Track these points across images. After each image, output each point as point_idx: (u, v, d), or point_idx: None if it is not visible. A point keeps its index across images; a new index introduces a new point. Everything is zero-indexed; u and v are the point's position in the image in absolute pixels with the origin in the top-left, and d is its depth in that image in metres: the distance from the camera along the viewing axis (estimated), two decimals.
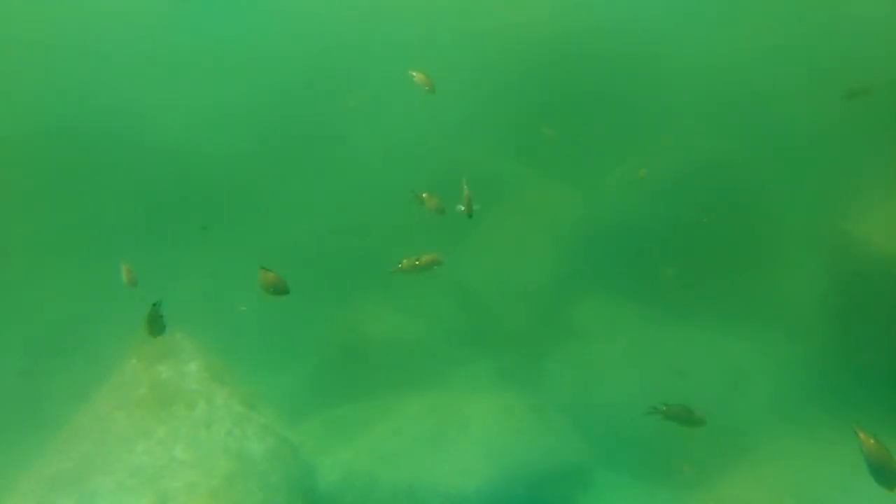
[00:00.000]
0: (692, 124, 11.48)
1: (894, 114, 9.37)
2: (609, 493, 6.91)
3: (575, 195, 11.76)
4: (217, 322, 8.48)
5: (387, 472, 6.35)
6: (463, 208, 4.96)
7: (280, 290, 4.62)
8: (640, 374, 8.91)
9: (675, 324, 9.68)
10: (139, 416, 5.31)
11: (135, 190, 11.77)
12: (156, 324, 4.72)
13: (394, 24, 14.79)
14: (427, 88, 6.09)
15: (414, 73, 6.22)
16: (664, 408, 5.08)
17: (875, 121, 9.43)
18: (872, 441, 3.91)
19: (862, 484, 6.65)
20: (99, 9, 14.08)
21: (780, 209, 10.12)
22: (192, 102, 13.67)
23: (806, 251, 9.16)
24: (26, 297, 9.83)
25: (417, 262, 4.99)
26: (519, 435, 7.02)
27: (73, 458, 5.04)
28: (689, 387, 8.68)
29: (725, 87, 11.57)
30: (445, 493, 6.10)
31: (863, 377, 8.05)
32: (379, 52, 14.17)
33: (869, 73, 9.84)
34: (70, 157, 11.96)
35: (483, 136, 12.85)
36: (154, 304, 4.76)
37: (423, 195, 5.90)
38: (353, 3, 14.75)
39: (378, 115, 13.94)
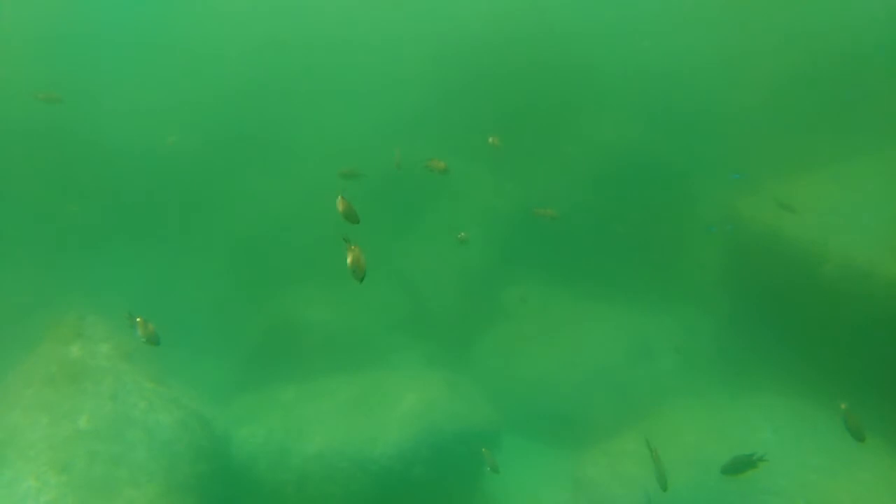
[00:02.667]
0: (619, 121, 12.15)
1: (792, 108, 10.20)
2: (514, 454, 7.42)
3: (509, 187, 12.30)
4: (145, 307, 8.70)
5: (300, 442, 6.69)
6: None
7: (352, 219, 4.85)
8: (557, 350, 9.52)
9: (592, 303, 10.31)
10: (47, 393, 5.53)
11: (74, 184, 11.71)
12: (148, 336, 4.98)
13: (343, 22, 15.04)
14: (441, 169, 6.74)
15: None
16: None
17: (773, 115, 10.29)
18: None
19: (742, 438, 7.37)
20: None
21: (689, 194, 10.85)
22: (133, 98, 13.63)
23: (709, 231, 9.86)
24: None
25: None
26: (433, 406, 7.45)
27: None
28: (600, 359, 9.32)
29: (652, 88, 12.27)
30: (353, 458, 6.48)
31: (757, 346, 8.79)
32: (324, 51, 14.41)
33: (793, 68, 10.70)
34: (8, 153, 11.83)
35: (425, 135, 13.25)
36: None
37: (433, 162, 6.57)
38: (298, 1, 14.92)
39: (322, 115, 14.18)
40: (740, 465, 5.41)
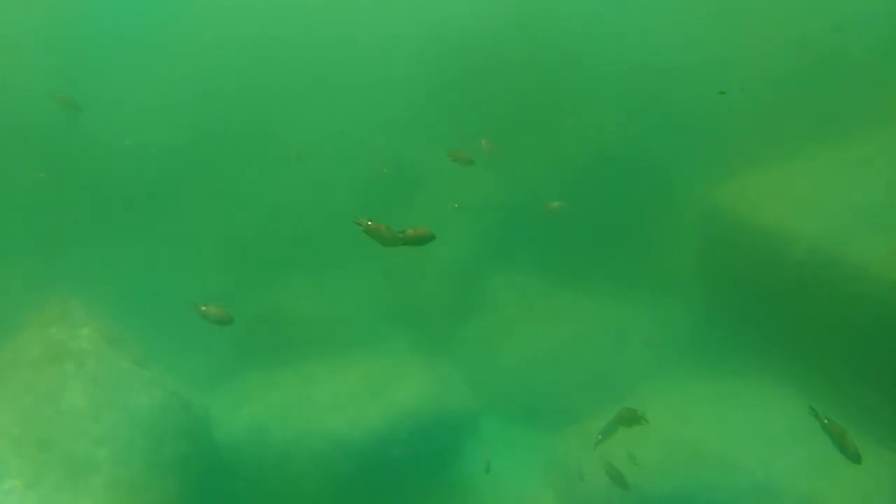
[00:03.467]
0: (601, 115, 12.33)
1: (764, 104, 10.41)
2: (491, 437, 7.61)
3: (494, 180, 12.46)
4: (132, 298, 8.82)
5: (281, 424, 6.85)
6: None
7: (388, 241, 4.47)
8: (536, 338, 9.72)
9: (572, 294, 10.52)
10: (29, 374, 5.64)
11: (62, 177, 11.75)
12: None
13: (331, 19, 15.10)
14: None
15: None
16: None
17: (748, 110, 10.49)
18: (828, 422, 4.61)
19: (710, 419, 7.60)
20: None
21: (668, 187, 11.05)
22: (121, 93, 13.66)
23: (685, 222, 10.07)
24: None
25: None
26: (412, 390, 7.63)
27: None
28: (578, 347, 9.53)
29: (635, 82, 12.44)
30: (332, 439, 6.64)
31: (732, 333, 9.01)
32: (311, 47, 14.47)
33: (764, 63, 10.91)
34: None
35: (412, 129, 13.39)
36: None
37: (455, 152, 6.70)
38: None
39: (308, 111, 14.26)
40: (624, 420, 5.59)
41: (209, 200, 12.68)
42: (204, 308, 5.15)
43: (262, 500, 6.26)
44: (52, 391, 5.49)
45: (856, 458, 4.52)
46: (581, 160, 11.45)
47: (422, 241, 4.60)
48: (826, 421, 4.64)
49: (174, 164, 12.71)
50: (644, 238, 10.49)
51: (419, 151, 12.96)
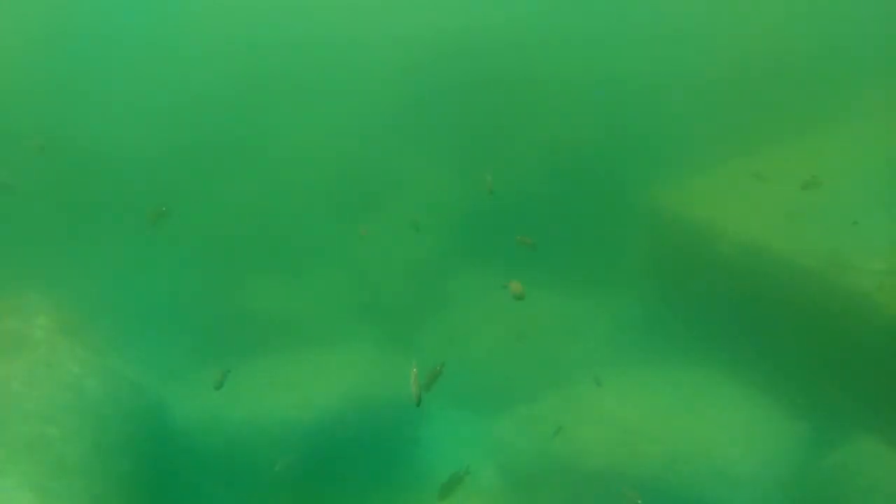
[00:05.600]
0: (561, 120, 12.86)
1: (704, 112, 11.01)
2: (438, 421, 7.97)
3: (459, 182, 12.91)
4: (97, 292, 9.04)
5: (237, 410, 7.13)
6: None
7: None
8: (492, 331, 10.14)
9: (531, 290, 10.92)
10: None
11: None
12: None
13: (316, 24, 15.47)
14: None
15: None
16: None
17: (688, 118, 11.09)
18: None
19: (650, 402, 8.02)
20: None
21: (620, 189, 11.58)
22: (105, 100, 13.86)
23: (633, 219, 10.58)
24: None
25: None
26: (365, 376, 7.97)
27: None
28: (533, 338, 9.94)
29: (590, 93, 13.00)
30: (285, 422, 6.94)
31: (676, 323, 9.49)
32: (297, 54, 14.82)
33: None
34: None
35: (386, 137, 13.79)
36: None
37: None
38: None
39: (286, 118, 14.57)
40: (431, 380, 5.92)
41: (180, 200, 12.92)
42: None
43: (214, 479, 6.52)
44: (5, 375, 5.74)
45: None
46: (540, 165, 11.96)
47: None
48: None
49: (145, 164, 12.95)
50: (598, 237, 10.97)
51: (389, 156, 13.39)
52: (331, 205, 12.69)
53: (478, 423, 8.09)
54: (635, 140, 11.24)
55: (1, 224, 9.58)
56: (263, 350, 9.65)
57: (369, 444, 7.28)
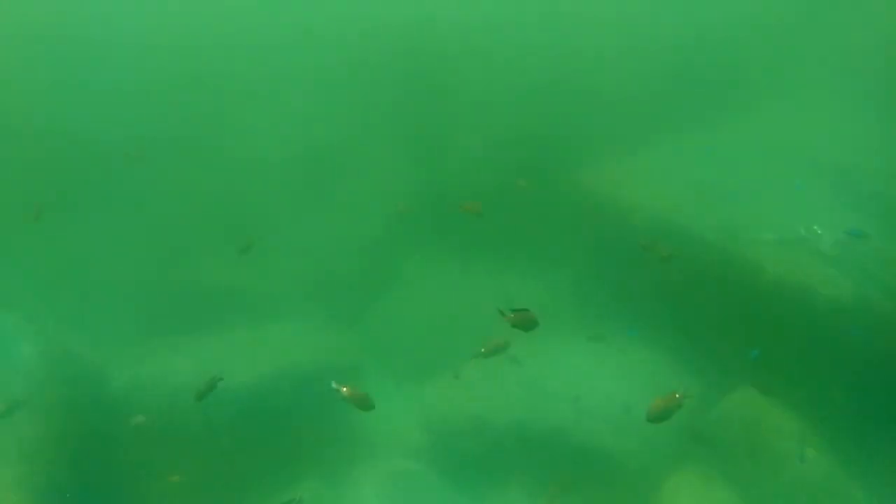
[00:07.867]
0: (506, 108, 13.35)
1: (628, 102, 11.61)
2: (373, 388, 8.47)
3: (414, 168, 13.35)
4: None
5: (174, 377, 7.54)
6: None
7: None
8: (437, 307, 10.68)
9: (473, 267, 11.53)
10: None
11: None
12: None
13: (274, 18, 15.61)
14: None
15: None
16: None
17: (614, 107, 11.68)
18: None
19: (569, 366, 8.64)
20: None
21: (553, 172, 12.18)
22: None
23: (567, 201, 11.19)
24: None
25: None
26: (301, 347, 8.44)
27: None
28: (471, 312, 10.49)
29: (538, 78, 13.50)
30: (219, 388, 7.34)
31: (601, 294, 10.15)
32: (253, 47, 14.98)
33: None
34: None
35: (343, 123, 14.10)
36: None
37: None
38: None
39: (238, 103, 14.75)
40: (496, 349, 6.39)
41: (140, 183, 13.10)
42: (344, 389, 5.46)
43: (149, 440, 6.94)
44: None
45: None
46: (480, 151, 12.47)
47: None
48: None
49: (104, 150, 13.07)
50: (533, 216, 11.55)
51: (342, 142, 13.75)
52: (286, 184, 13.02)
53: (409, 390, 8.63)
54: (567, 128, 11.81)
55: None
56: (215, 326, 10.01)
57: (303, 408, 7.76)
